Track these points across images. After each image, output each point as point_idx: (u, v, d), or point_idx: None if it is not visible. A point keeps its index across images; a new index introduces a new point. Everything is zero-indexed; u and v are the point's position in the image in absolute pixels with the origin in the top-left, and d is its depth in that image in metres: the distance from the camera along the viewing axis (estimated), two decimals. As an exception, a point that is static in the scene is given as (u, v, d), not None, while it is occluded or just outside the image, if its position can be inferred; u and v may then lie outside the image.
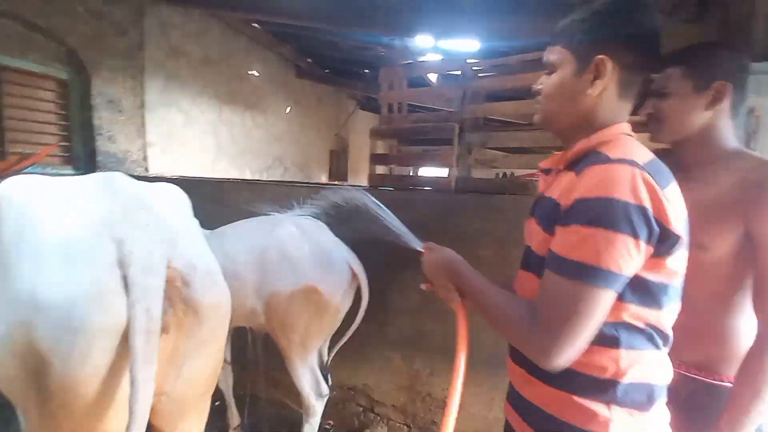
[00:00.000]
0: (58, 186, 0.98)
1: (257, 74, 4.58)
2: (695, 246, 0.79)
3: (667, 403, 0.73)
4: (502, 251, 1.92)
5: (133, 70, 3.10)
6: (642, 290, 0.66)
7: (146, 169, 3.24)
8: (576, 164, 0.71)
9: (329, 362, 1.93)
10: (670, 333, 0.71)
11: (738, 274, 0.85)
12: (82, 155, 2.87)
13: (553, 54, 0.75)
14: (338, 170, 6.96)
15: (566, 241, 0.64)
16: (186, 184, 2.90)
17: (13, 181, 0.94)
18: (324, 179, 6.51)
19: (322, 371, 1.82)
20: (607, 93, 0.71)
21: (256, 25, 4.22)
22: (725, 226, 0.84)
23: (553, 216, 0.69)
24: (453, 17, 2.52)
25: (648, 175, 0.62)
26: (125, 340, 0.88)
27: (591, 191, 0.62)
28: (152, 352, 0.88)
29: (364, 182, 2.67)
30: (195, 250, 1.08)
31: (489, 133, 2.04)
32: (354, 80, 5.44)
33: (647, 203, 0.60)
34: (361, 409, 2.41)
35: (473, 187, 2.11)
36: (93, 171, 2.88)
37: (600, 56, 0.68)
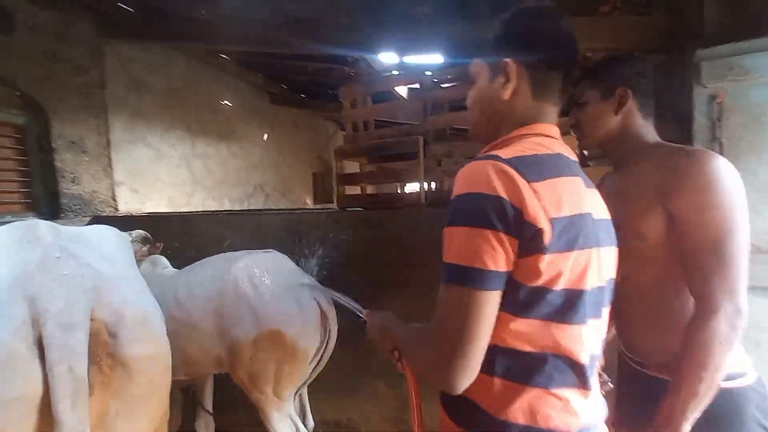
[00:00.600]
0: None
1: (230, 105, 4.56)
2: (635, 236, 0.88)
3: (636, 404, 0.76)
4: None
5: (95, 109, 3.03)
6: (518, 297, 0.62)
7: (115, 209, 3.14)
8: None
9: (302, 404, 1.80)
10: (585, 365, 0.64)
11: (677, 259, 0.86)
12: (43, 199, 2.77)
13: (473, 67, 0.80)
14: (323, 192, 6.90)
15: (443, 247, 0.64)
16: (154, 220, 2.82)
17: None
18: (309, 203, 6.44)
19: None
20: (521, 94, 0.73)
21: (223, 55, 4.21)
22: (653, 213, 0.87)
23: None
24: (412, 31, 2.50)
25: (508, 167, 0.61)
26: (47, 408, 0.79)
27: (454, 191, 0.64)
28: (82, 417, 0.80)
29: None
30: (125, 297, 0.99)
31: (454, 143, 1.98)
32: (328, 102, 5.44)
33: (502, 193, 0.59)
34: (348, 444, 2.27)
35: (444, 199, 2.04)
36: (57, 215, 2.78)
37: (505, 60, 0.71)
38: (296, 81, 4.99)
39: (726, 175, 0.81)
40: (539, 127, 0.73)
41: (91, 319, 0.88)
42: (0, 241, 0.97)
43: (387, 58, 3.16)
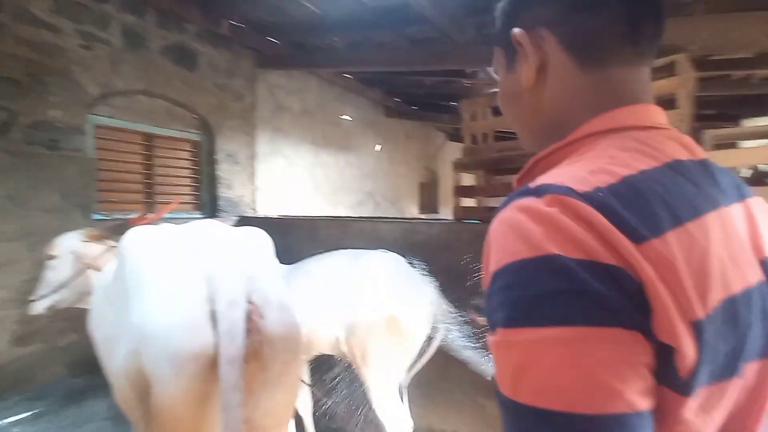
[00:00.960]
0: (164, 234, 1.15)
1: (350, 118, 4.96)
2: None
3: None
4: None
5: (247, 127, 3.62)
6: None
7: (255, 210, 3.68)
8: None
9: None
10: None
11: None
12: (207, 201, 3.40)
13: (493, 59, 0.54)
14: (429, 202, 6.98)
15: (498, 361, 0.33)
16: (285, 222, 3.20)
17: (133, 232, 1.13)
18: (415, 212, 6.58)
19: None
20: (556, 73, 0.44)
21: (347, 75, 4.62)
22: None
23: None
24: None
25: (590, 206, 0.31)
26: (213, 367, 0.96)
27: (497, 256, 0.33)
28: (239, 378, 0.94)
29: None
30: (271, 287, 1.13)
31: (586, 156, 1.82)
32: (440, 113, 5.52)
33: (589, 253, 0.30)
34: (452, 459, 2.23)
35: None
36: (215, 214, 3.37)
37: (512, 31, 0.45)
38: (413, 95, 5.18)
39: None
40: (613, 116, 0.41)
41: (249, 302, 1.04)
42: (183, 237, 1.21)
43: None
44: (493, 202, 2.49)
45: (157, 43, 2.95)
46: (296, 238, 3.05)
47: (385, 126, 5.66)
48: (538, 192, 0.33)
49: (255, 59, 3.66)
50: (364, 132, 5.27)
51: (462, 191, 2.27)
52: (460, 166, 2.25)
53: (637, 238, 0.30)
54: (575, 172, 0.35)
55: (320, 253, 2.78)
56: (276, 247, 2.87)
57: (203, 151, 3.38)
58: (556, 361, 0.29)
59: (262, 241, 1.40)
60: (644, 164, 0.35)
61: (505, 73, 0.50)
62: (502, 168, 2.20)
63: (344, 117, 4.91)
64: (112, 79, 2.69)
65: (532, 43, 0.44)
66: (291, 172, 4.17)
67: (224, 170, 3.44)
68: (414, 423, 2.50)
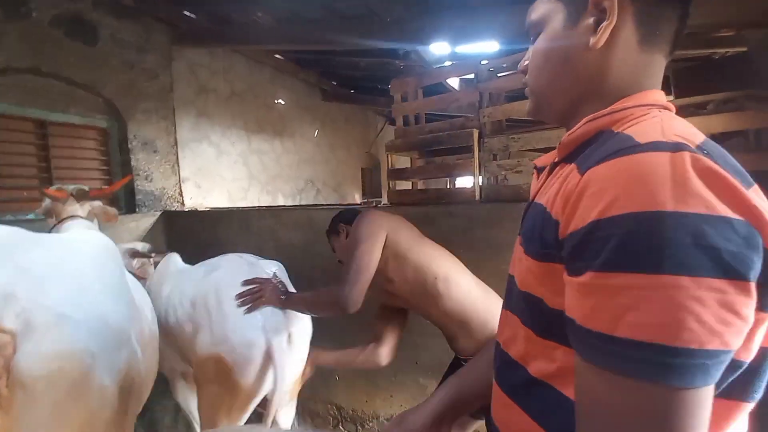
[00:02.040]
0: None
1: (283, 102, 4.72)
2: None
3: None
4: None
5: (164, 111, 3.28)
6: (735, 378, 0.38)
7: (182, 204, 3.39)
8: (577, 155, 0.47)
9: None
10: None
11: None
12: (122, 196, 3.06)
13: (534, 11, 0.54)
14: (371, 187, 6.96)
15: (598, 303, 0.36)
16: (214, 215, 2.99)
17: None
18: (358, 198, 6.52)
19: None
20: (620, 42, 0.47)
21: (278, 55, 4.36)
22: None
23: (540, 232, 0.47)
24: (465, 19, 2.40)
25: (716, 164, 0.35)
26: None
27: (615, 204, 0.35)
28: None
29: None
30: (52, 302, 0.92)
31: (512, 136, 1.87)
32: (379, 96, 5.45)
33: (728, 209, 0.33)
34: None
35: (498, 194, 1.94)
36: (133, 210, 3.05)
37: None
38: (348, 77, 5.04)
39: None
40: (657, 94, 0.48)
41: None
42: None
43: (439, 49, 3.07)
44: (425, 184, 2.51)
45: (46, 13, 2.53)
46: (227, 232, 2.86)
47: (322, 110, 5.47)
48: (678, 146, 0.36)
49: (169, 34, 3.30)
50: (300, 116, 5.06)
51: (396, 174, 2.25)
52: (392, 148, 2.22)
53: (745, 187, 0.35)
54: (668, 131, 0.39)
55: (251, 247, 2.64)
56: (206, 243, 2.65)
57: (113, 139, 3.01)
58: (680, 303, 0.32)
59: (90, 248, 1.24)
60: (702, 136, 0.40)
61: (561, 28, 0.50)
62: (434, 149, 2.20)
63: (278, 101, 4.66)
64: (-15, 54, 2.27)
65: (617, 4, 0.46)
66: (222, 161, 3.88)
67: (140, 160, 3.10)
68: (360, 410, 2.50)
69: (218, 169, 3.82)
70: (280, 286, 1.49)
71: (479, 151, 1.96)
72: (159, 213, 3.10)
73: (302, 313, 1.45)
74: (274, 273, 1.58)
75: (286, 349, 1.40)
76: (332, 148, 5.74)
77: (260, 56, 4.20)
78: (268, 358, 1.37)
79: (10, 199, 2.47)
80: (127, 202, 3.06)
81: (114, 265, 1.31)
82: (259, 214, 2.72)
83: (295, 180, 4.97)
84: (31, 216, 2.45)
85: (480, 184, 1.99)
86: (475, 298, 1.23)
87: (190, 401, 1.91)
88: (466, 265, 1.92)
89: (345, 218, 1.44)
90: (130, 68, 3.03)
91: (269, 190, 4.49)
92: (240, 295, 1.40)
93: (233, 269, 1.53)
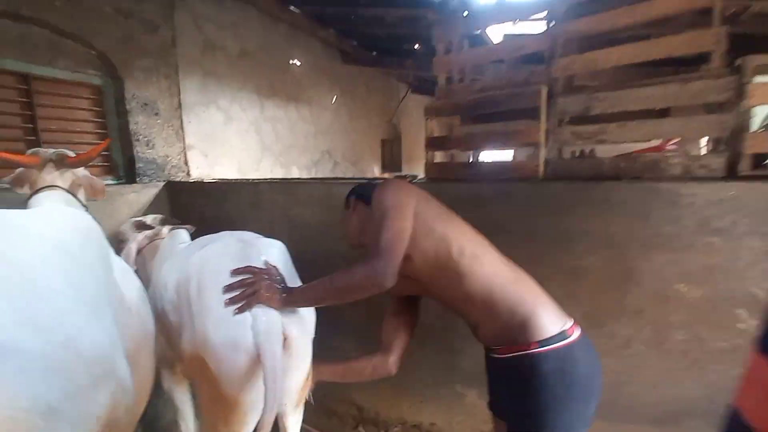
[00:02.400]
0: None
1: (299, 63, 4.26)
2: None
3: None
4: (616, 260, 1.34)
5: (166, 69, 2.90)
6: None
7: (187, 174, 3.06)
8: None
9: None
10: None
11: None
12: (122, 163, 2.74)
13: None
14: (392, 160, 6.53)
15: None
16: (221, 187, 2.65)
17: None
18: (377, 172, 6.11)
19: None
20: None
21: (294, 8, 3.88)
22: None
23: None
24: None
25: None
26: None
27: None
28: None
29: (420, 172, 2.19)
30: None
31: (594, 95, 1.43)
32: (404, 59, 4.92)
33: None
34: (429, 453, 1.98)
35: (570, 171, 1.53)
36: (133, 179, 2.73)
37: None
38: (371, 36, 4.53)
39: None
40: None
41: None
42: None
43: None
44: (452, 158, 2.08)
45: (22, -54, 2.14)
46: (236, 207, 2.52)
47: (342, 75, 4.99)
48: None
49: (169, -22, 2.87)
50: (318, 81, 4.60)
51: (435, 143, 1.84)
52: (433, 112, 1.80)
53: None
54: None
55: (262, 223, 2.30)
56: (212, 218, 2.29)
57: (108, 99, 2.65)
58: None
59: (53, 227, 0.89)
60: None
61: None
62: (483, 113, 1.77)
63: (294, 62, 4.21)
64: (-50, -9, 1.91)
65: None
66: (232, 128, 3.51)
67: (140, 124, 2.75)
68: (383, 412, 2.21)
69: (227, 136, 3.46)
70: (278, 278, 1.13)
71: (548, 114, 1.53)
72: (162, 183, 2.78)
73: (313, 306, 1.17)
74: (265, 261, 1.17)
75: (280, 355, 1.05)
76: (351, 118, 5.29)
77: (274, 10, 3.73)
78: (258, 365, 1.04)
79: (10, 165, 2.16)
80: (126, 170, 2.74)
81: (94, 257, 0.96)
82: (271, 188, 2.36)
83: (311, 151, 4.58)
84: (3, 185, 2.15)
85: (545, 156, 1.57)
86: (504, 279, 1.07)
87: (175, 392, 1.66)
88: (525, 259, 1.54)
89: (357, 192, 1.25)
90: (125, 17, 2.63)
91: (283, 161, 4.13)
92: (228, 288, 1.06)
93: (219, 250, 1.20)
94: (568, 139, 1.53)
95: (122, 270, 1.23)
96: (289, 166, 4.22)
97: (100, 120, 2.64)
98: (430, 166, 1.82)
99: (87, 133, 2.57)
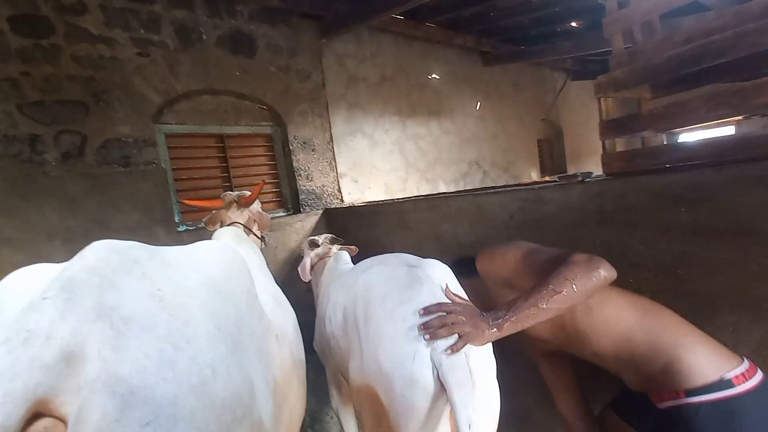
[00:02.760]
0: None
1: (438, 77, 4.16)
2: None
3: None
4: None
5: (319, 109, 3.20)
6: None
7: (341, 200, 3.27)
8: None
9: None
10: None
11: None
12: (289, 197, 3.11)
13: None
14: (552, 162, 5.70)
15: None
16: (369, 210, 2.68)
17: None
18: (536, 176, 5.42)
19: None
20: None
21: (429, 23, 3.82)
22: None
23: None
24: None
25: None
26: None
27: None
28: None
29: (596, 170, 1.71)
30: (120, 369, 0.61)
31: None
32: (557, 44, 4.25)
33: None
34: None
35: None
36: (298, 209, 3.06)
37: None
38: (515, 27, 4.08)
39: None
40: None
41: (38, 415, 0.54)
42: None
43: None
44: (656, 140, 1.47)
45: (212, 35, 2.69)
46: (384, 228, 2.51)
47: (484, 78, 4.66)
48: None
49: (317, 28, 3.18)
50: (458, 89, 4.40)
51: (614, 127, 1.36)
52: (608, 87, 1.34)
53: None
54: None
55: (408, 241, 2.18)
56: (364, 240, 2.31)
57: (277, 143, 3.08)
58: None
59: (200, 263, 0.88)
60: None
61: None
62: (684, 75, 1.21)
63: (432, 76, 4.13)
64: (171, 83, 2.52)
65: None
66: (376, 152, 3.63)
67: (301, 160, 3.09)
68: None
69: (373, 160, 3.58)
70: (473, 309, 0.97)
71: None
72: (321, 211, 3.03)
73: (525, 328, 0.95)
74: (446, 287, 1.04)
75: (470, 387, 0.87)
76: (499, 121, 4.86)
77: (409, 29, 3.75)
78: (434, 405, 0.90)
79: (202, 208, 2.73)
80: (293, 202, 3.10)
81: (240, 287, 0.96)
82: (415, 206, 2.24)
83: (458, 163, 4.36)
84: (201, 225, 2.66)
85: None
86: (632, 325, 0.92)
87: (342, 414, 1.63)
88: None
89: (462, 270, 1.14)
90: (285, 73, 3.03)
91: (429, 178, 4.04)
92: (424, 328, 0.92)
93: (386, 274, 1.11)
94: None
95: (275, 295, 1.26)
96: (436, 181, 4.11)
97: (272, 162, 3.07)
98: (609, 157, 1.35)
99: (264, 174, 3.02)
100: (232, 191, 2.61)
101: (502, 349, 1.85)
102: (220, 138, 2.81)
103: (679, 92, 1.34)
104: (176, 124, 2.61)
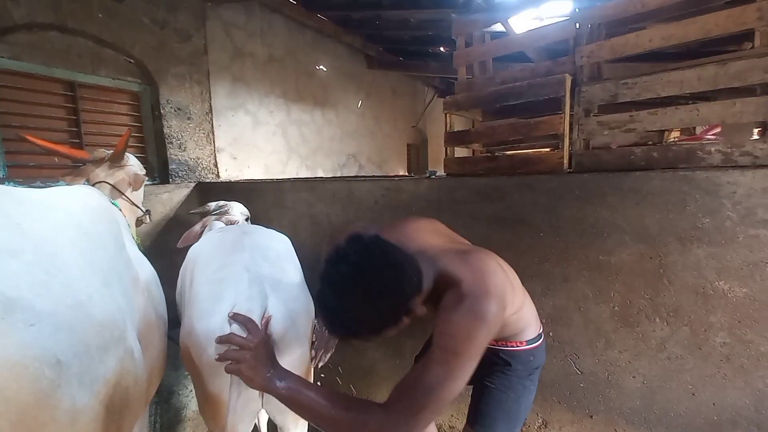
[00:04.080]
0: None
1: (325, 69, 4.35)
2: None
3: None
4: (649, 255, 1.24)
5: (198, 76, 3.03)
6: None
7: (217, 175, 3.17)
8: None
9: None
10: None
11: None
12: (156, 165, 2.88)
13: None
14: (417, 164, 6.49)
15: None
16: (247, 187, 2.72)
17: None
18: (402, 173, 6.10)
19: None
20: None
21: (321, 15, 3.97)
22: None
23: None
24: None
25: None
26: None
27: None
28: None
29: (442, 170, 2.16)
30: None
31: (625, 81, 1.35)
32: (429, 62, 4.91)
33: None
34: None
35: (597, 163, 1.45)
36: (167, 180, 2.86)
37: None
38: (397, 39, 4.55)
39: None
40: None
41: None
42: None
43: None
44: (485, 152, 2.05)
45: (70, -36, 2.31)
46: (261, 206, 2.58)
47: (368, 79, 5.04)
48: None
49: (202, -11, 3.01)
50: (344, 85, 4.67)
51: (456, 138, 1.80)
52: (453, 106, 1.77)
53: None
54: None
55: (287, 221, 2.33)
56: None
57: (145, 103, 2.81)
58: None
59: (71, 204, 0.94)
60: None
61: None
62: (506, 105, 1.72)
63: (320, 67, 4.29)
64: (8, 7, 2.08)
65: None
66: (259, 131, 3.62)
67: (173, 127, 2.89)
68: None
69: (255, 139, 3.56)
70: (267, 354, 0.93)
71: (573, 104, 1.46)
72: (193, 184, 2.90)
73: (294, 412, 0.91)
74: (266, 323, 0.99)
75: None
76: (377, 121, 5.33)
77: (301, 16, 3.83)
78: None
79: (39, 164, 2.33)
80: (160, 171, 2.88)
81: (105, 233, 1.00)
82: (294, 186, 2.40)
83: (337, 154, 4.64)
84: (61, 184, 2.31)
85: (570, 149, 1.50)
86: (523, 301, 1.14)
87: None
88: (549, 253, 1.47)
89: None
90: (161, 27, 2.79)
91: (309, 164, 4.20)
92: (220, 341, 0.94)
93: (217, 241, 1.22)
94: (594, 130, 1.45)
95: (137, 255, 1.28)
96: (315, 168, 4.29)
97: (137, 124, 2.79)
98: (449, 161, 1.78)
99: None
100: (83, 149, 2.34)
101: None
102: (70, 85, 2.44)
103: (497, 119, 1.86)
104: (9, 58, 2.17)
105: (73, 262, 0.77)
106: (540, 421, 1.57)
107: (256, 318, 0.97)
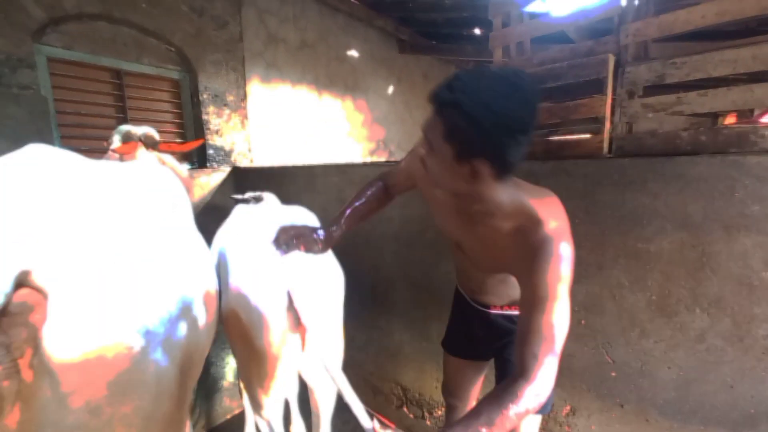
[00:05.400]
0: None
1: (356, 54, 4.34)
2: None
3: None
4: (691, 243, 1.19)
5: (234, 63, 3.12)
6: None
7: (251, 160, 3.28)
8: None
9: None
10: None
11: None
12: (195, 151, 3.00)
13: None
14: (448, 151, 6.42)
15: None
16: (280, 172, 2.80)
17: None
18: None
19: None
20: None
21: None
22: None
23: None
24: None
25: None
26: None
27: None
28: None
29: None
30: (88, 255, 0.65)
31: (673, 60, 1.28)
32: (463, 45, 4.78)
33: None
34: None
35: (640, 147, 1.39)
36: (204, 165, 2.99)
37: None
38: (429, 22, 4.46)
39: None
40: None
41: (20, 286, 0.57)
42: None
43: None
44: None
45: (115, -45, 2.42)
46: (293, 189, 2.66)
47: (399, 64, 4.99)
48: None
49: (237, -24, 3.06)
50: (375, 70, 4.65)
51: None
52: (487, 89, 1.73)
53: None
54: None
55: (316, 204, 2.38)
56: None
57: (185, 90, 2.93)
58: None
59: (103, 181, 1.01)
60: None
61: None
62: (543, 88, 1.67)
63: (351, 52, 4.29)
64: (60, -1, 2.22)
65: None
66: (290, 116, 3.69)
67: (211, 113, 3.00)
68: (428, 395, 2.21)
69: (286, 124, 3.64)
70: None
71: (615, 86, 1.40)
72: (229, 169, 3.01)
73: None
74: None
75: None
76: (408, 107, 5.28)
77: (333, 1, 3.83)
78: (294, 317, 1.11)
79: (92, 149, 2.50)
80: (198, 157, 3.01)
81: (182, 202, 1.11)
82: (325, 171, 2.45)
83: (367, 140, 4.65)
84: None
85: (611, 133, 1.44)
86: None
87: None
88: (584, 240, 1.44)
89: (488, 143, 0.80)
90: (198, 15, 2.87)
91: (339, 150, 4.24)
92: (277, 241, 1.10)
93: (250, 221, 1.38)
94: (638, 113, 1.38)
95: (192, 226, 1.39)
96: (345, 154, 4.33)
97: (178, 111, 2.92)
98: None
99: (167, 122, 2.86)
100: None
101: (383, 299, 2.22)
102: (117, 73, 2.57)
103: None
104: (62, 47, 2.32)
105: (156, 231, 0.86)
106: (568, 408, 1.56)
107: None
